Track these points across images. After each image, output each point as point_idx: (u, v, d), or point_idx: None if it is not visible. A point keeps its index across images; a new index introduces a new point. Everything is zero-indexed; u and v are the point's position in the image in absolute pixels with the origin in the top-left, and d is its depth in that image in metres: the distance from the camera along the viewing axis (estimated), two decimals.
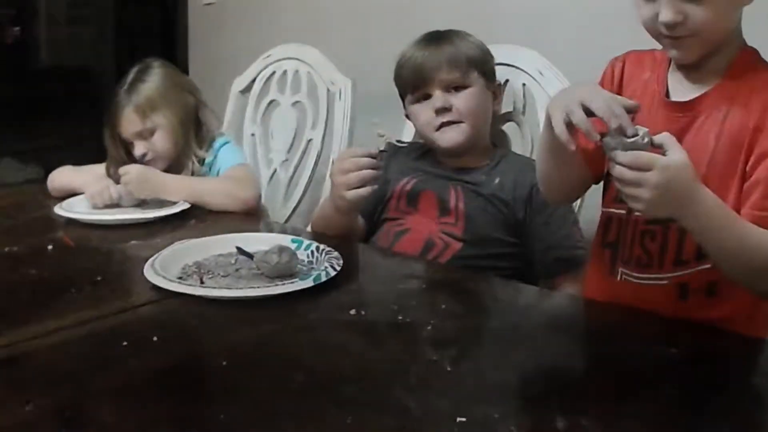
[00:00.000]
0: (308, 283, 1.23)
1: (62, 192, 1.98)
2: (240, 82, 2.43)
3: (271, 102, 2.36)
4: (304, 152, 2.25)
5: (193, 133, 2.04)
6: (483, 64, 1.72)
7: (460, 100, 1.67)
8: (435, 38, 1.73)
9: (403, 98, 1.77)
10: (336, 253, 1.37)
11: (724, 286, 1.22)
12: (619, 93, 1.36)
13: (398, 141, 1.85)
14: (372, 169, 1.51)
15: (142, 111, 1.97)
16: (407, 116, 1.81)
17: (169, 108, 1.99)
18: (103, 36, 7.19)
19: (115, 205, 1.85)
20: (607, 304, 1.28)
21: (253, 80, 2.40)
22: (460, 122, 1.67)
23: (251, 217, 1.86)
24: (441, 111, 1.67)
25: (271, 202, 2.24)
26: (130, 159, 1.99)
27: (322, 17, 2.98)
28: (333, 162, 2.04)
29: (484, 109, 1.72)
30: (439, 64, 1.67)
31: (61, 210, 1.78)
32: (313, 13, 3.05)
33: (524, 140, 1.85)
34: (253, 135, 2.38)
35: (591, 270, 1.43)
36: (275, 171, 2.31)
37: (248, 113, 2.39)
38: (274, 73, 2.35)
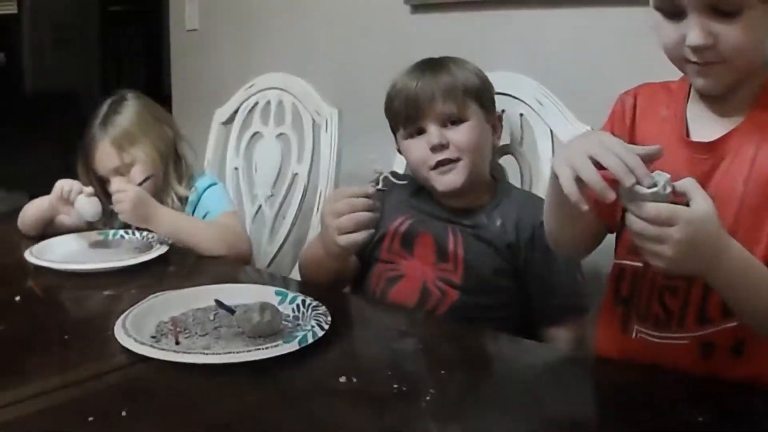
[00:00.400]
0: (293, 346, 1.10)
1: (34, 227, 1.85)
2: (222, 113, 2.31)
3: (254, 134, 2.24)
4: (289, 187, 2.13)
5: (173, 168, 1.92)
6: (482, 94, 1.56)
7: (458, 135, 1.51)
8: (429, 66, 1.57)
9: (394, 132, 1.62)
10: (323, 309, 1.24)
11: (753, 344, 1.09)
12: (632, 132, 1.25)
13: (394, 174, 1.64)
14: (368, 211, 1.37)
15: (119, 144, 1.85)
16: (399, 151, 1.66)
17: (147, 141, 1.87)
18: (89, 61, 7.12)
19: (93, 247, 1.74)
20: (624, 362, 1.16)
21: (236, 111, 2.28)
22: (458, 159, 1.51)
23: (233, 263, 1.72)
24: (437, 148, 1.50)
25: (257, 240, 2.12)
26: (107, 198, 1.87)
27: (308, 44, 2.86)
28: (322, 200, 1.94)
29: (483, 143, 1.56)
30: (434, 95, 1.51)
31: (32, 257, 1.63)
32: (299, 40, 2.93)
33: (523, 174, 1.73)
34: (236, 169, 2.26)
35: (601, 327, 1.30)
36: (260, 207, 2.19)
37: (231, 146, 2.27)
38: (257, 103, 2.24)
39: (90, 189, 1.76)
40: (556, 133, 1.67)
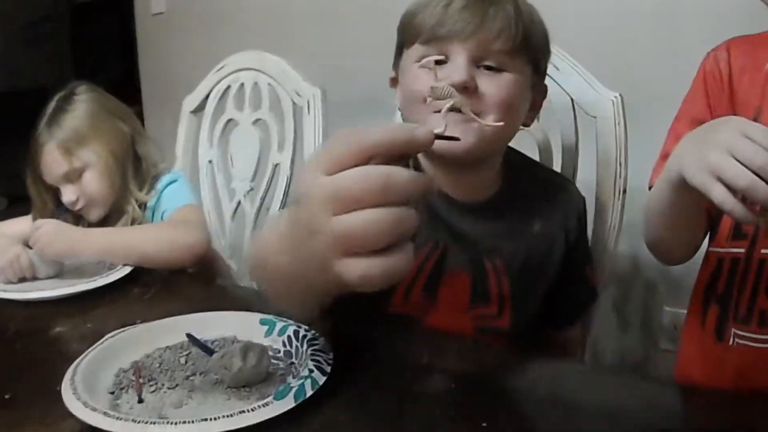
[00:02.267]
0: (287, 402, 0.81)
1: None
2: (191, 101, 1.99)
3: (228, 122, 1.92)
4: (271, 179, 1.81)
5: (131, 171, 1.61)
6: (542, 52, 1.15)
7: (494, 86, 1.06)
8: None
9: (400, 51, 1.18)
10: (323, 342, 0.95)
11: None
12: (731, 91, 1.06)
13: None
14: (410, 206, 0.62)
15: (67, 148, 1.53)
16: (393, 80, 1.21)
17: (99, 141, 1.56)
18: (61, 57, 6.74)
19: (47, 266, 1.39)
20: (718, 394, 0.88)
21: (206, 97, 1.96)
22: (477, 115, 1.00)
23: (207, 278, 1.41)
24: (458, 88, 1.00)
25: (237, 240, 1.82)
26: (62, 208, 1.56)
27: (284, 21, 2.56)
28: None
29: (519, 111, 1.12)
30: (487, 19, 1.06)
31: None
32: (275, 17, 2.63)
33: (541, 153, 1.44)
34: (210, 162, 1.94)
35: (688, 333, 1.04)
36: (239, 203, 1.88)
37: (203, 137, 1.95)
38: (229, 87, 1.91)
39: (39, 245, 1.40)
40: (579, 103, 1.38)
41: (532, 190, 1.21)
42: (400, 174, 0.56)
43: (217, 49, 2.21)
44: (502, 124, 0.92)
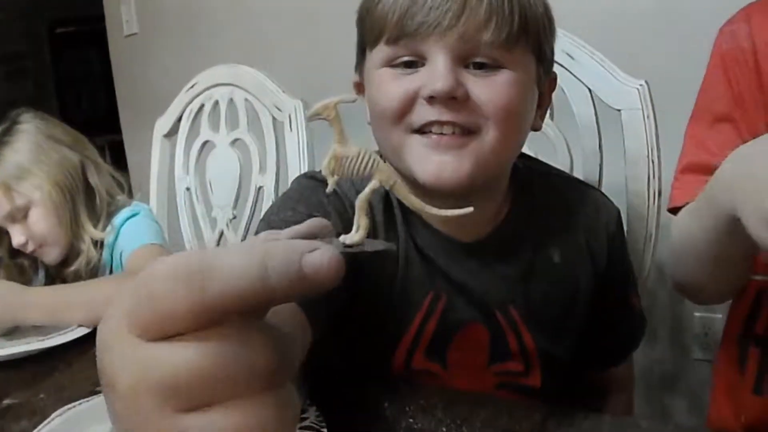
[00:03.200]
0: None
1: None
2: (163, 125, 1.78)
3: (204, 144, 1.71)
4: (255, 204, 1.60)
5: (83, 205, 1.41)
6: (545, 35, 0.86)
7: (489, 90, 0.80)
8: None
9: (362, 51, 0.91)
10: (313, 412, 0.74)
11: None
12: (758, 69, 0.83)
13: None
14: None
15: (6, 185, 1.33)
16: (358, 86, 0.94)
17: (42, 174, 1.36)
18: (44, 89, 6.56)
19: None
20: None
21: (179, 119, 1.76)
22: (473, 132, 0.80)
23: None
24: (441, 98, 0.78)
25: None
26: (12, 252, 1.36)
27: (262, 36, 2.38)
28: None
29: (523, 115, 0.86)
30: (475, 4, 0.79)
31: None
32: (252, 32, 2.44)
33: (557, 154, 1.24)
34: (188, 189, 1.74)
35: (720, 380, 0.83)
36: (222, 233, 1.67)
37: (178, 162, 1.75)
38: (203, 106, 1.71)
39: None
40: (599, 95, 1.18)
41: (547, 209, 0.96)
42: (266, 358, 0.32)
43: (191, 68, 2.03)
44: (470, 210, 0.50)
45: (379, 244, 0.49)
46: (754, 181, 0.62)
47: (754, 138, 0.84)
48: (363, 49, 0.90)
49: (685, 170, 0.91)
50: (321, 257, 0.33)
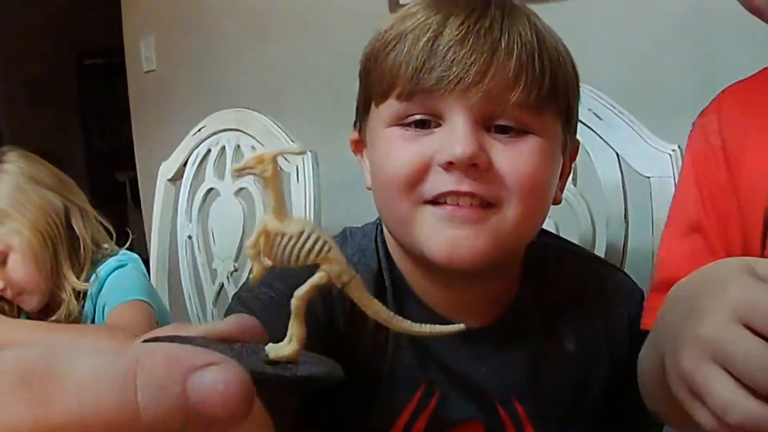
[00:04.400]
0: None
1: None
2: (168, 168, 1.70)
3: (209, 191, 1.62)
4: None
5: (65, 252, 1.32)
6: (572, 96, 0.78)
7: (514, 159, 0.71)
8: (482, 11, 0.72)
9: (366, 106, 0.80)
10: None
11: None
12: (730, 167, 0.73)
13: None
14: None
15: None
16: (357, 144, 0.85)
17: (22, 218, 1.28)
18: (69, 118, 6.54)
19: None
20: None
21: (185, 164, 1.67)
22: (494, 205, 0.71)
23: None
24: (462, 164, 0.69)
25: None
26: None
27: (277, 80, 2.31)
28: None
29: (550, 189, 0.77)
30: (503, 60, 0.70)
31: None
32: (267, 73, 2.38)
33: (579, 224, 1.13)
34: (189, 238, 1.64)
35: None
36: (222, 287, 1.57)
37: (181, 209, 1.65)
38: (209, 151, 1.62)
39: None
40: (627, 160, 1.08)
41: (560, 291, 0.84)
42: None
43: (207, 107, 1.95)
44: (462, 327, 0.41)
45: (320, 365, 0.38)
46: (680, 332, 0.51)
47: (725, 249, 0.73)
48: (367, 103, 0.80)
49: (655, 289, 0.79)
50: (215, 379, 0.23)
